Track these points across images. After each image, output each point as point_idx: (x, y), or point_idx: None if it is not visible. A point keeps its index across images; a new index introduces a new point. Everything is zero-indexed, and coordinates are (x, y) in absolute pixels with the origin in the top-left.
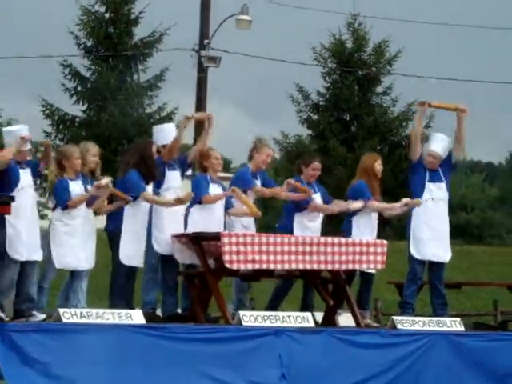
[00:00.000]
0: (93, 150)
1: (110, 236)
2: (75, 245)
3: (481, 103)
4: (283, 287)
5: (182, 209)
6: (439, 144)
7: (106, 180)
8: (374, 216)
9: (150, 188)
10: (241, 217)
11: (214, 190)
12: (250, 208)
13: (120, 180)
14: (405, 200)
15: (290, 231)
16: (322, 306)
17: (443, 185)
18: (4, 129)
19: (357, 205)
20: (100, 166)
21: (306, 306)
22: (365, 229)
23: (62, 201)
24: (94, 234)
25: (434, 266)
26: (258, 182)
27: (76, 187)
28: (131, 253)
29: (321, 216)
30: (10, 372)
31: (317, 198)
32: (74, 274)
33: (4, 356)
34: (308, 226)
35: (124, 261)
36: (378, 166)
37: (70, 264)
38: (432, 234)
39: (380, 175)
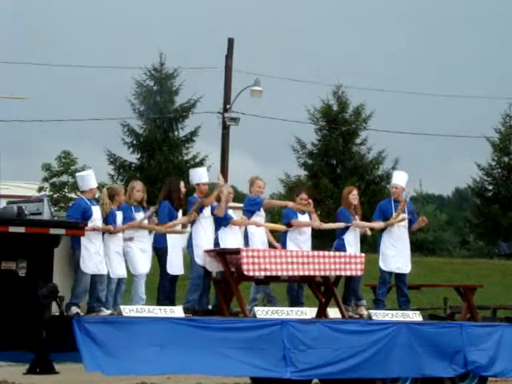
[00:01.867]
0: (137, 187)
1: (159, 252)
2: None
3: (433, 151)
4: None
5: (212, 230)
6: (400, 178)
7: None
8: (357, 234)
9: (180, 214)
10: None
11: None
12: (278, 228)
13: (157, 209)
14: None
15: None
16: (315, 303)
17: (406, 215)
18: (77, 174)
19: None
20: (145, 197)
21: (298, 303)
22: (354, 244)
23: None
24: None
25: (399, 274)
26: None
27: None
28: (175, 264)
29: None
30: (85, 351)
31: (304, 217)
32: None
33: (81, 340)
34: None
35: (169, 271)
36: (352, 196)
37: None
38: (396, 252)
39: (355, 202)
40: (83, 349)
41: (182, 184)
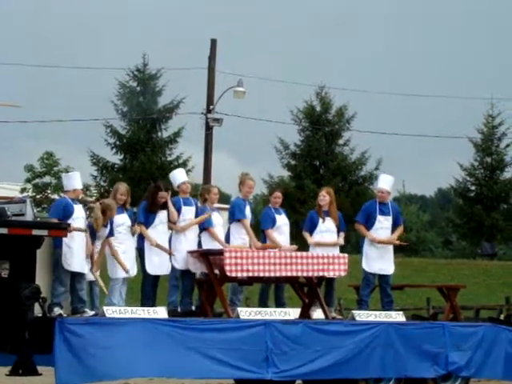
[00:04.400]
0: (120, 190)
1: (140, 252)
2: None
3: (416, 151)
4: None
5: (193, 233)
6: (386, 182)
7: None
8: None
9: (163, 215)
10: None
11: (213, 216)
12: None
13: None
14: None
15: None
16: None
17: (390, 218)
18: (63, 174)
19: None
20: (129, 200)
21: (279, 304)
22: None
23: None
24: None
25: (383, 275)
26: (248, 208)
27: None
28: (156, 265)
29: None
30: (61, 362)
31: (283, 218)
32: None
33: (59, 346)
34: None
35: (149, 271)
36: (320, 197)
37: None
38: (379, 254)
39: (322, 203)
40: (59, 359)
41: (160, 194)
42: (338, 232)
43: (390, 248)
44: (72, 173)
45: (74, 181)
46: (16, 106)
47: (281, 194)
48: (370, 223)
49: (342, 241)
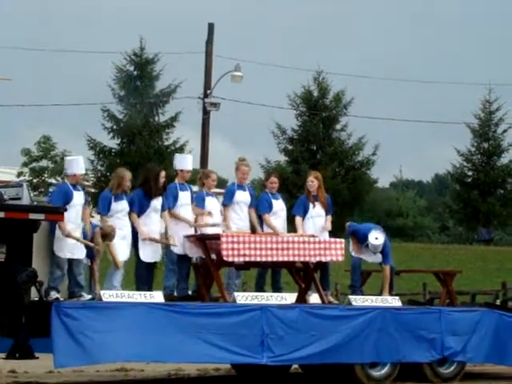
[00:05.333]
0: (127, 176)
1: (134, 238)
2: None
3: (413, 137)
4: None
5: (190, 217)
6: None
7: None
8: (316, 222)
9: (157, 202)
10: None
11: (209, 201)
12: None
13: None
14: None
15: None
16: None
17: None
18: (66, 158)
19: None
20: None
21: (276, 288)
22: (312, 232)
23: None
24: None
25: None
26: (247, 193)
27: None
28: (149, 252)
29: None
30: (57, 344)
31: (280, 203)
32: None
33: (56, 329)
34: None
35: (143, 258)
36: (308, 183)
37: None
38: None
39: (311, 189)
40: (56, 342)
41: (162, 173)
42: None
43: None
44: (73, 157)
45: (74, 166)
46: (5, 80)
47: (277, 179)
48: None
49: (329, 225)
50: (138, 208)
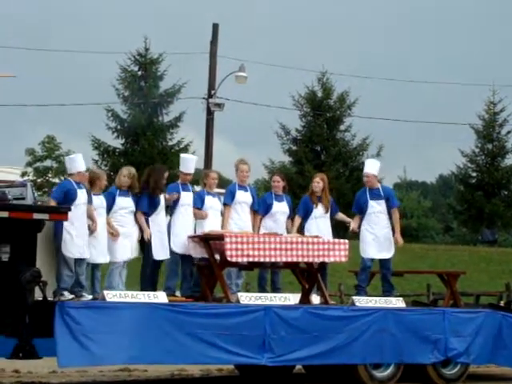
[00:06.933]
0: (124, 172)
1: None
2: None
3: (417, 138)
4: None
5: (191, 217)
6: (371, 166)
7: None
8: (318, 223)
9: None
10: None
11: (210, 200)
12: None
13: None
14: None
15: None
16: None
17: (382, 201)
18: (66, 157)
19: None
20: (135, 184)
21: (275, 289)
22: (315, 232)
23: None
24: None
25: (382, 260)
26: (248, 194)
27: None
28: (157, 250)
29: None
30: (61, 344)
31: (282, 205)
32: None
33: (59, 329)
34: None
35: (155, 256)
36: (314, 183)
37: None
38: (375, 238)
39: (315, 189)
40: (60, 342)
41: (165, 173)
42: (331, 218)
43: (386, 232)
44: (74, 155)
45: (77, 163)
46: (10, 76)
47: (279, 178)
48: (363, 210)
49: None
50: (147, 208)
